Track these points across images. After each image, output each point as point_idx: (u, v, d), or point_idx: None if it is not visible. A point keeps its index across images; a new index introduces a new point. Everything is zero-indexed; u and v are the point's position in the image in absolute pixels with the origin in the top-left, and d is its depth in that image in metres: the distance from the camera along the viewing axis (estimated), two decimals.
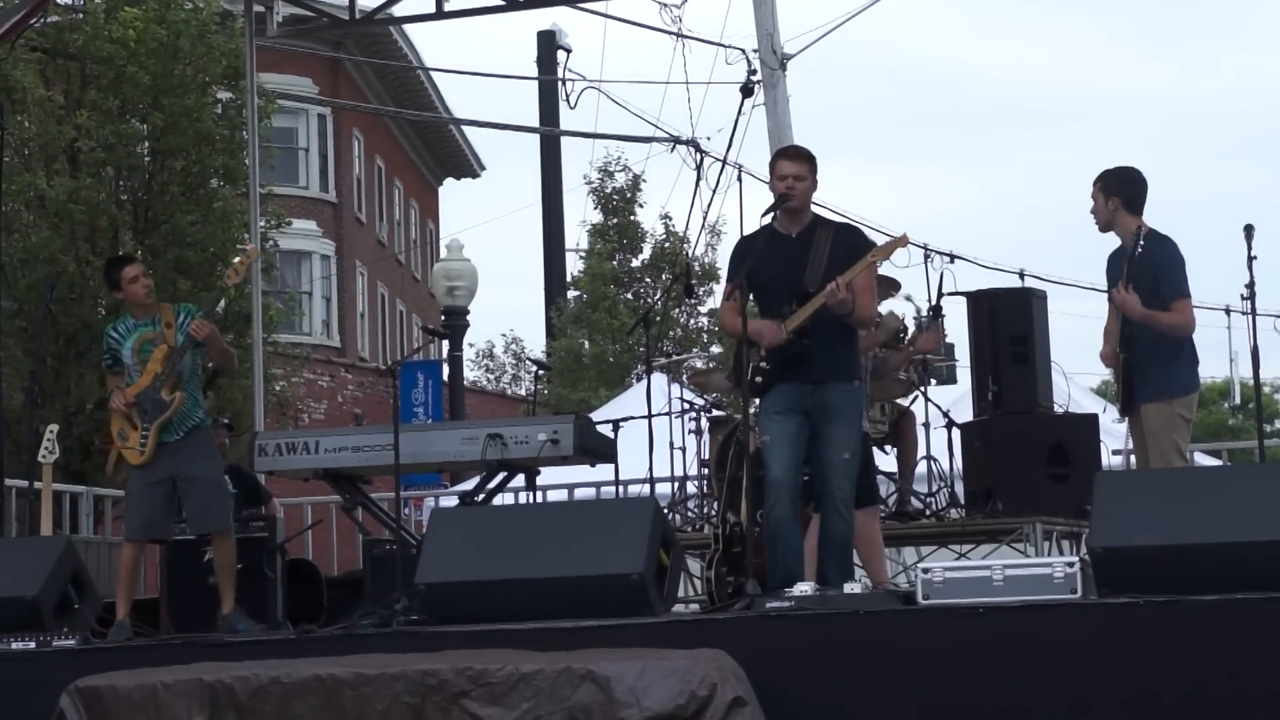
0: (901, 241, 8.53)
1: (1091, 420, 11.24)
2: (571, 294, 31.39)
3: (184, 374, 9.31)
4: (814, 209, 8.64)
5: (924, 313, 11.93)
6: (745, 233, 8.69)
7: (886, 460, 11.58)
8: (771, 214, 8.52)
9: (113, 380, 9.51)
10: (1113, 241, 8.98)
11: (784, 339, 8.35)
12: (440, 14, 13.29)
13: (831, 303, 8.25)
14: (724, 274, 9.60)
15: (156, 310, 9.42)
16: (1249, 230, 8.96)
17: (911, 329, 11.62)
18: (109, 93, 17.86)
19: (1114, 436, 11.10)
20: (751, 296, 8.59)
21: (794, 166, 8.55)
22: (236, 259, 9.96)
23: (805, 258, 8.46)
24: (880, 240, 8.70)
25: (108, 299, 17.63)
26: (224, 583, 9.23)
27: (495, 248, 61.17)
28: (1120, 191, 8.87)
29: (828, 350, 8.40)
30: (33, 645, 8.35)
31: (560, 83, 22.70)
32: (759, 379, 8.44)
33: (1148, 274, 8.71)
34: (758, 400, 8.67)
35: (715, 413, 11.91)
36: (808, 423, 8.40)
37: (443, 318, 22.85)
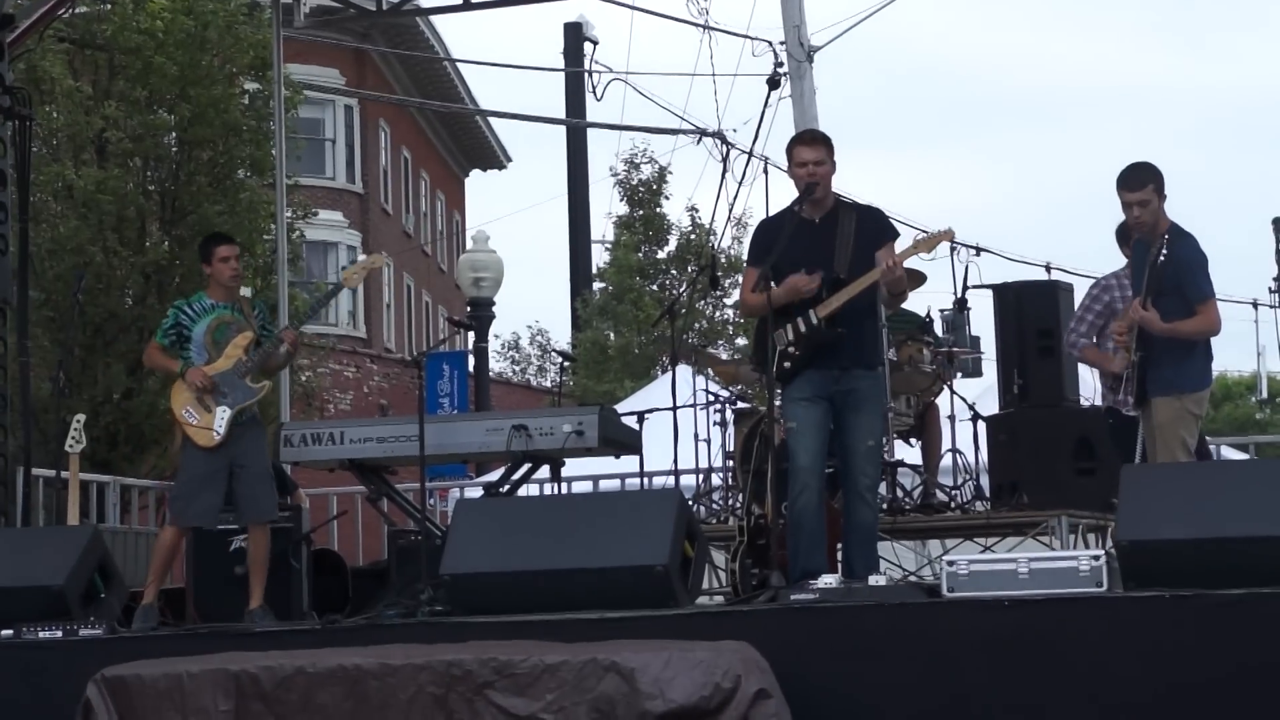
0: (947, 235, 8.54)
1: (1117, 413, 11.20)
2: (597, 286, 31.39)
3: (262, 364, 9.38)
4: (835, 193, 8.65)
5: (950, 306, 11.88)
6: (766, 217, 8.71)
7: (912, 453, 11.56)
8: (798, 203, 8.53)
9: (163, 356, 9.49)
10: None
11: (815, 286, 8.33)
12: (467, 5, 13.31)
13: (888, 280, 8.26)
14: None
15: (237, 296, 9.48)
16: (1278, 223, 8.91)
17: (937, 324, 11.60)
18: (136, 83, 17.92)
19: None
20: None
21: (813, 152, 8.54)
22: (363, 259, 10.07)
23: (832, 243, 8.47)
24: (921, 231, 8.71)
25: (136, 288, 17.70)
26: (255, 577, 9.24)
27: (521, 239, 61.31)
28: (1164, 189, 8.80)
29: (855, 336, 8.43)
30: (59, 634, 8.37)
31: (587, 74, 22.75)
32: (787, 364, 8.44)
33: (1170, 272, 8.63)
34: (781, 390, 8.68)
35: (740, 405, 11.90)
36: (833, 409, 8.41)
37: (468, 309, 22.88)
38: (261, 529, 9.33)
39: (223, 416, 9.22)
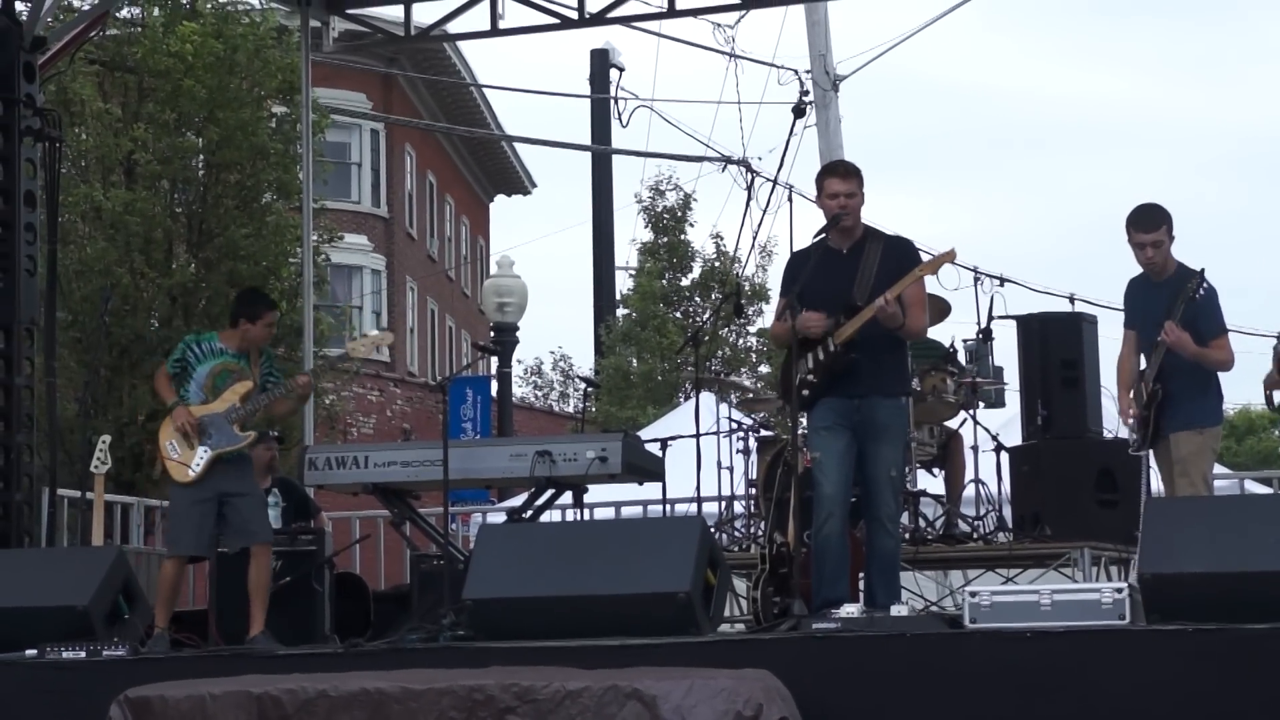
0: (949, 256, 8.54)
1: None
2: (621, 312, 31.43)
3: (254, 413, 9.43)
4: (864, 223, 8.66)
5: (974, 337, 11.88)
6: (797, 248, 8.73)
7: (934, 483, 11.55)
8: (824, 232, 8.55)
9: (167, 384, 9.48)
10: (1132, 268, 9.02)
11: (828, 325, 8.34)
12: (495, 31, 13.36)
13: (881, 317, 8.28)
14: (774, 294, 9.63)
15: (251, 349, 9.52)
16: None
17: (961, 354, 11.60)
18: (166, 106, 18.02)
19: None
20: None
21: (844, 185, 8.57)
22: (374, 334, 10.14)
23: (854, 272, 8.48)
24: (927, 256, 8.71)
25: (162, 310, 17.76)
26: (256, 602, 9.19)
27: (545, 265, 61.37)
28: (1173, 230, 8.91)
29: (874, 365, 8.43)
30: (83, 655, 8.39)
31: (613, 101, 22.81)
32: (805, 391, 8.46)
33: (1187, 308, 8.72)
34: (805, 419, 8.69)
35: (763, 432, 11.91)
36: (855, 438, 8.42)
37: (492, 334, 22.92)
38: (262, 552, 9.31)
39: (202, 456, 9.24)
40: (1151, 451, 8.99)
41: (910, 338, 8.70)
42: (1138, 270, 9.01)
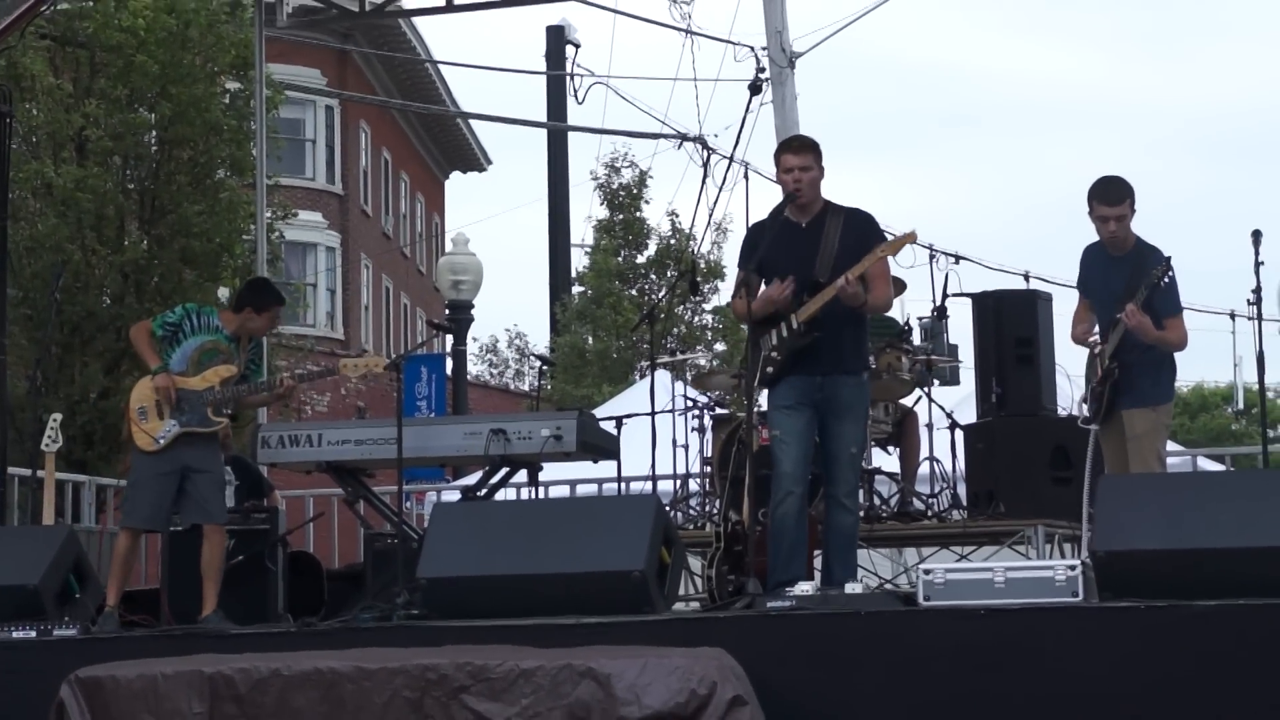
0: (910, 238, 8.54)
1: None
2: (576, 290, 31.39)
3: (229, 400, 9.40)
4: (824, 197, 8.64)
5: (929, 314, 11.89)
6: (755, 221, 8.70)
7: (889, 460, 11.57)
8: (781, 209, 8.53)
9: (150, 343, 9.38)
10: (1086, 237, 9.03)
11: (789, 293, 8.32)
12: (450, 7, 13.32)
13: (843, 296, 8.27)
14: (730, 271, 9.62)
15: (245, 335, 9.49)
16: (1257, 235, 8.97)
17: (916, 332, 11.61)
18: (117, 81, 17.86)
19: None
20: (762, 286, 8.60)
21: (799, 159, 8.55)
22: (364, 358, 10.15)
23: (816, 247, 8.46)
24: (888, 234, 8.70)
25: (114, 287, 17.64)
26: (208, 582, 9.17)
27: (501, 242, 61.33)
28: (1135, 203, 8.91)
29: (836, 342, 8.42)
30: (33, 634, 8.34)
31: (568, 78, 22.73)
32: (769, 369, 8.45)
33: (1150, 294, 8.73)
34: (763, 398, 8.68)
35: (718, 411, 11.90)
36: (816, 416, 8.42)
37: (447, 311, 22.85)
38: (215, 532, 9.28)
39: (169, 430, 9.20)
40: (1097, 427, 9.02)
41: (875, 312, 8.70)
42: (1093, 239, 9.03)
